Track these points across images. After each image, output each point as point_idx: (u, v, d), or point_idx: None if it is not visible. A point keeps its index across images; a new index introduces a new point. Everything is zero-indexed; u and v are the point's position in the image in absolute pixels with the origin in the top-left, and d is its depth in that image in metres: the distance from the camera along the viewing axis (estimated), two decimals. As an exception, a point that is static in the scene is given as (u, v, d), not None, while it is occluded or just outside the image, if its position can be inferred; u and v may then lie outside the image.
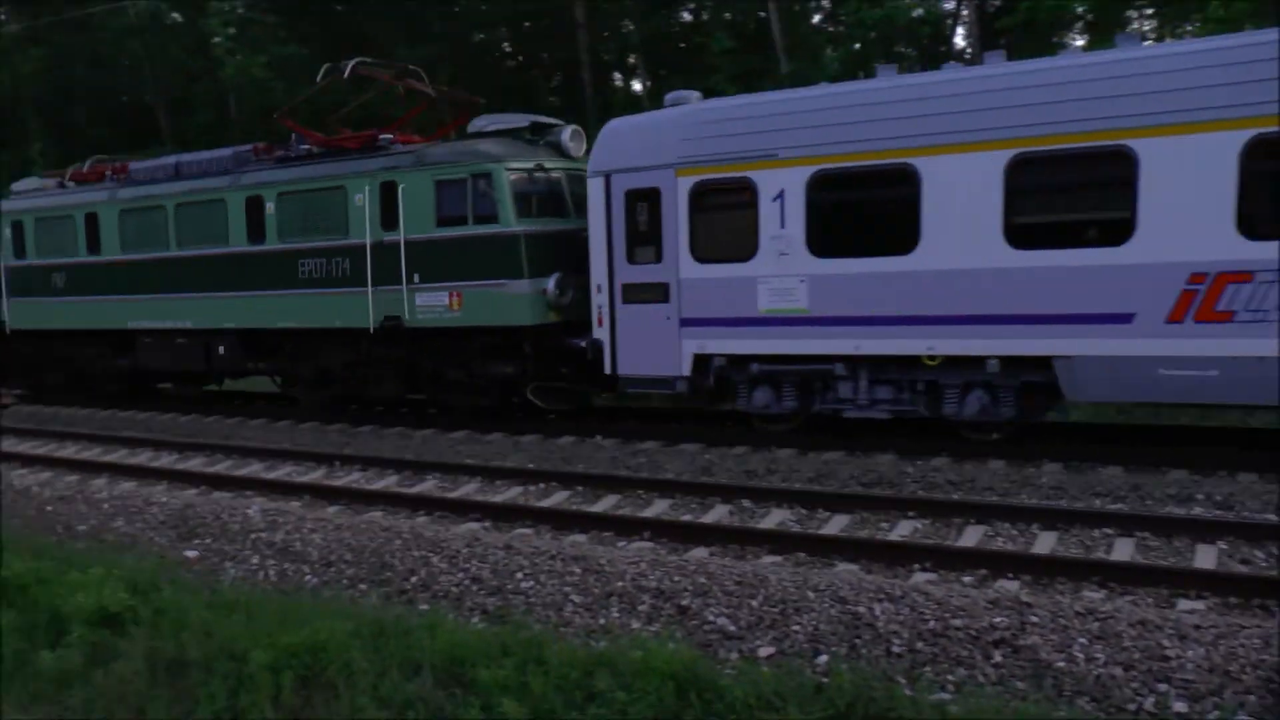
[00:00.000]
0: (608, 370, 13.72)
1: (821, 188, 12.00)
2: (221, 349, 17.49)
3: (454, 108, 19.03)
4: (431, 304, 14.73)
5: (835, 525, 9.77)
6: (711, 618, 7.46)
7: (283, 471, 13.21)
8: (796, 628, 7.14)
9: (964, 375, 11.67)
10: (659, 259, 13.13)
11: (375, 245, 15.14)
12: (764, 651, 6.94)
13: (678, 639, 7.01)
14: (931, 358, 11.75)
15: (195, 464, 13.94)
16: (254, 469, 13.44)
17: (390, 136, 15.95)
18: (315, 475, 12.91)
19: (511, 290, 14.02)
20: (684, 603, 7.71)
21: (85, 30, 44.16)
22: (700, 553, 9.07)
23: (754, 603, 7.51)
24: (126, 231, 18.64)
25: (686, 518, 10.23)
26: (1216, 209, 10.01)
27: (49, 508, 12.23)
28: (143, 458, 14.61)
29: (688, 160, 12.81)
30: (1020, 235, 10.99)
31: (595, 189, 13.47)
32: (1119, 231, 10.51)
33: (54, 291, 19.96)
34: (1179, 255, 10.21)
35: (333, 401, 17.17)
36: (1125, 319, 10.62)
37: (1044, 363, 11.12)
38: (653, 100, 29.40)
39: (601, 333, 13.66)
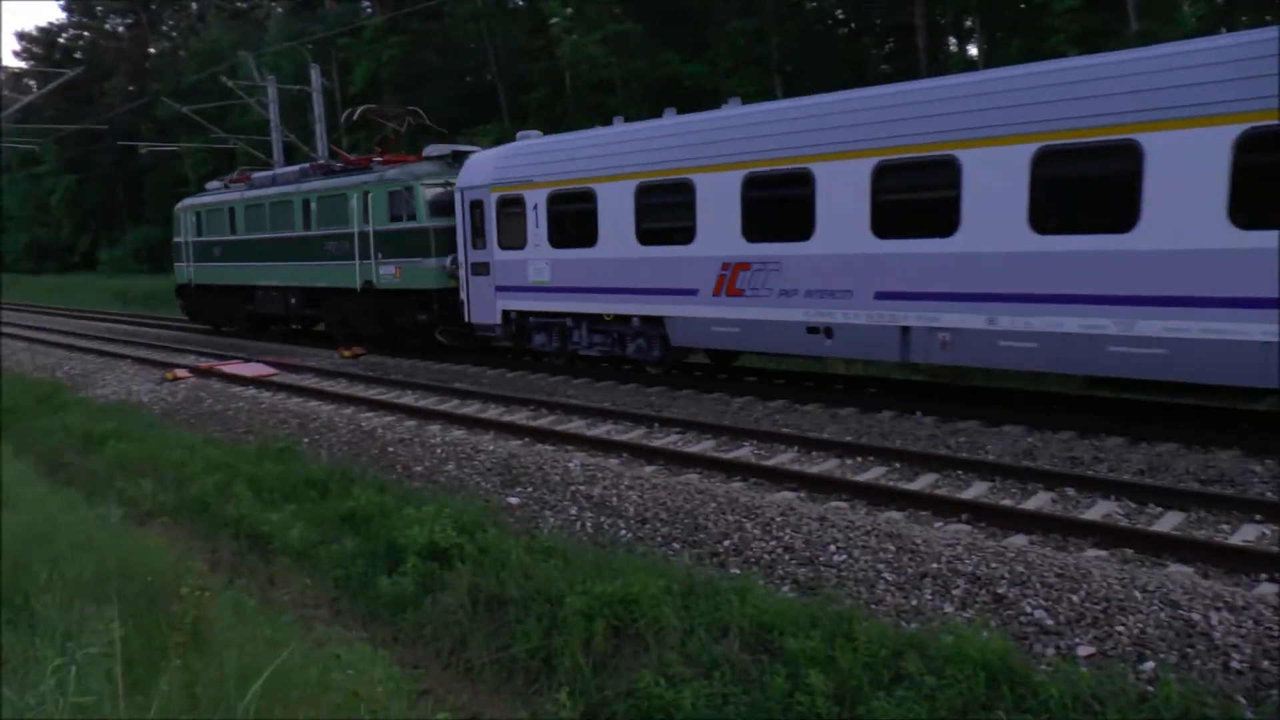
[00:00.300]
0: (466, 320, 20.70)
1: (552, 202, 18.39)
2: (292, 300, 26.81)
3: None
4: (387, 273, 22.51)
5: (1167, 523, 9.16)
6: (1028, 609, 7.28)
7: (603, 429, 13.94)
8: (1120, 629, 6.83)
9: (627, 328, 17.64)
10: (484, 246, 19.86)
11: (360, 233, 23.29)
12: (1083, 651, 6.71)
13: (991, 628, 6.92)
14: (609, 316, 17.82)
15: (520, 417, 14.98)
16: (575, 425, 14.25)
17: (380, 159, 24.42)
18: (634, 435, 13.53)
19: (425, 265, 21.49)
20: (1000, 591, 7.55)
21: (437, 18, 47.89)
22: (1019, 540, 8.82)
23: (1075, 598, 7.25)
24: (249, 220, 28.34)
25: (1006, 502, 9.94)
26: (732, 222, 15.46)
27: (390, 449, 13.57)
28: (472, 408, 15.87)
29: (496, 182, 19.48)
30: (644, 236, 16.78)
31: (457, 199, 20.48)
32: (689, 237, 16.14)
33: (214, 259, 30.48)
34: (718, 252, 15.65)
35: (347, 338, 24.88)
36: (693, 293, 16.15)
37: (659, 321, 16.92)
38: (988, 63, 28.17)
39: (462, 295, 20.65)
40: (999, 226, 12.33)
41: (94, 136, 70.49)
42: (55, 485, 13.49)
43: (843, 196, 13.87)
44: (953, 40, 36.80)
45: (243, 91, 37.59)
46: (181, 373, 20.70)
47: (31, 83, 71.15)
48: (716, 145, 15.50)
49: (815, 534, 9.08)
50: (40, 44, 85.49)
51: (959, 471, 11.08)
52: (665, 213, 16.49)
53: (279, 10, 66.77)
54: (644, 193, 16.64)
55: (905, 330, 13.49)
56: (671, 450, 12.31)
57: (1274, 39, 10.11)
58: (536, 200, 18.51)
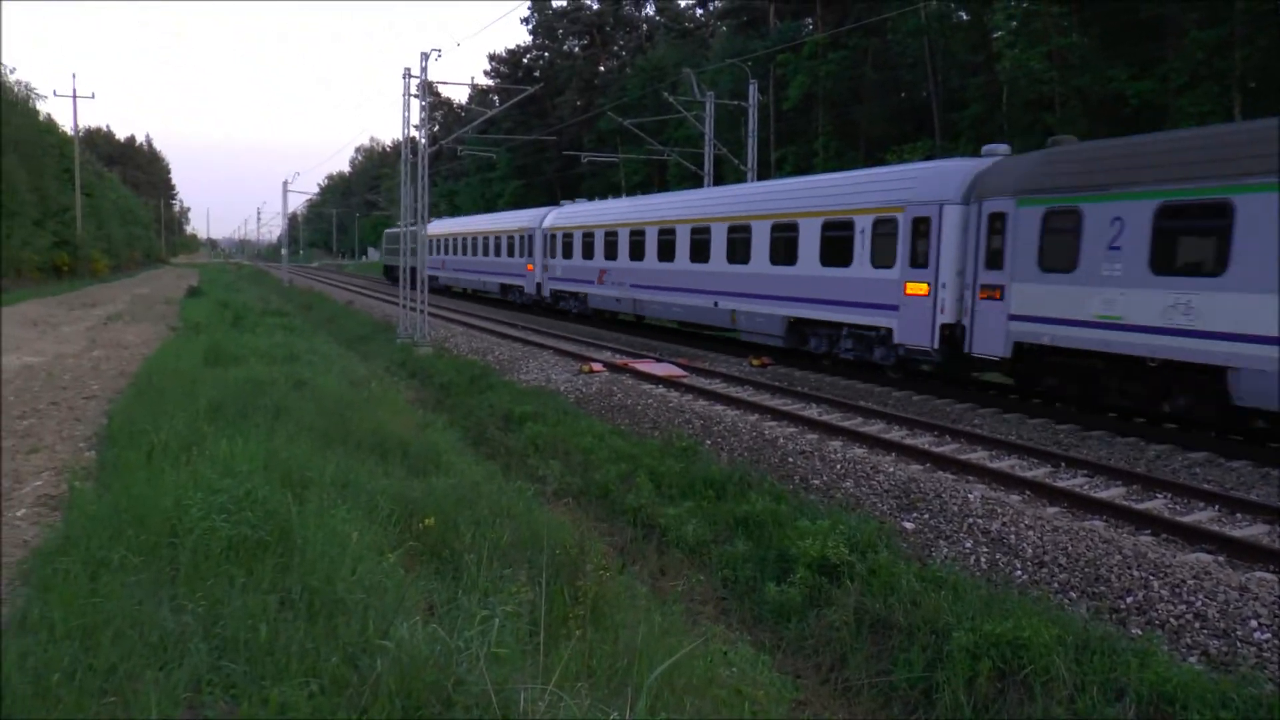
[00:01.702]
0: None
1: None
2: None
3: None
4: None
5: None
6: None
7: (1006, 463, 13.39)
8: None
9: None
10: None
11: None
12: None
13: None
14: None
15: (923, 441, 14.69)
16: (978, 456, 13.79)
17: None
18: (1038, 472, 12.88)
19: None
20: None
21: (878, 33, 48.03)
22: None
23: None
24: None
25: None
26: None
27: (790, 459, 13.79)
28: (875, 428, 15.75)
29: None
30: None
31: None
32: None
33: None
34: None
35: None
36: None
37: None
38: None
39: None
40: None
41: (542, 146, 77.12)
42: (479, 457, 14.89)
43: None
44: None
45: (681, 106, 39.59)
46: (597, 366, 22.18)
47: (495, 98, 78.86)
48: None
49: (1234, 604, 8.23)
50: (507, 64, 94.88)
51: None
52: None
53: (723, 29, 69.70)
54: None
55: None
56: (1077, 493, 11.60)
57: None
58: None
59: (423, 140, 31.09)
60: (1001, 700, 7.41)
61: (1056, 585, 9.21)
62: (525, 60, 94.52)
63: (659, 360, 23.56)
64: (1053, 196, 16.15)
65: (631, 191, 64.22)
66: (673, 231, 28.70)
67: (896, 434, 15.33)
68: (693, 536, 11.19)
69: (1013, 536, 10.25)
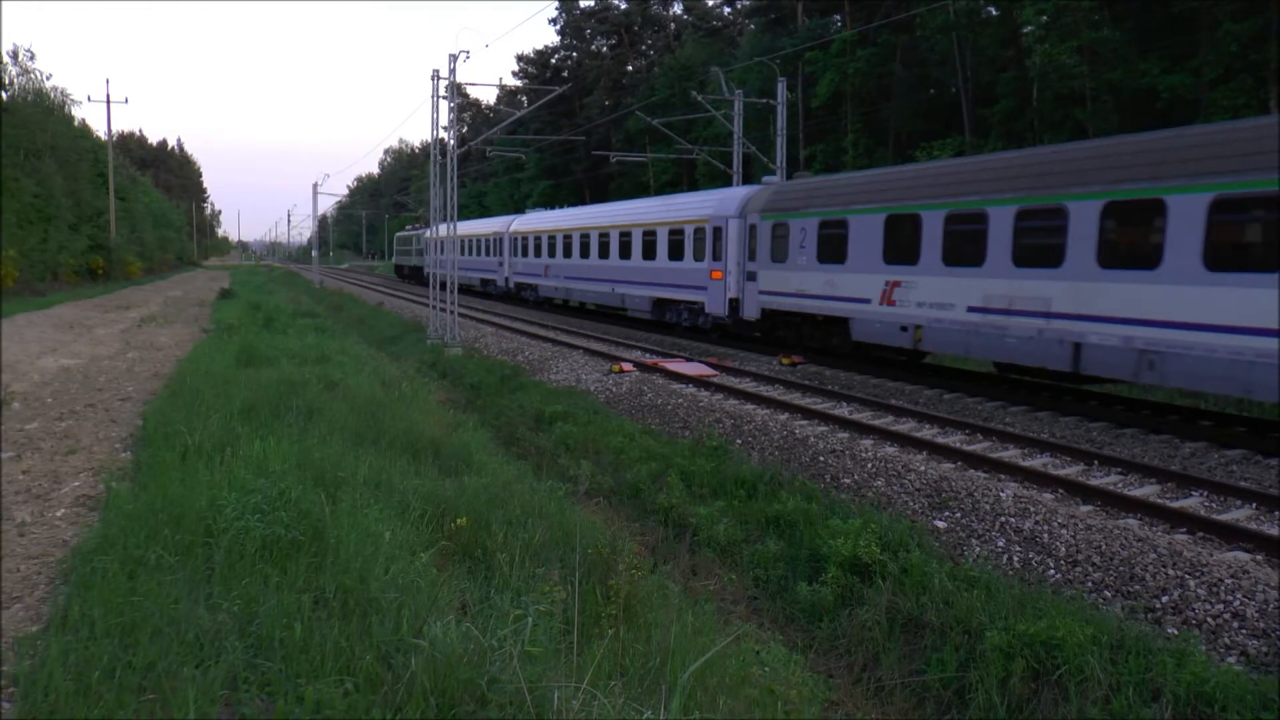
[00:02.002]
0: None
1: None
2: None
3: None
4: None
5: None
6: None
7: (1039, 461, 13.30)
8: None
9: None
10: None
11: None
12: None
13: None
14: None
15: (954, 440, 14.63)
16: (1010, 454, 13.71)
17: None
18: (1071, 470, 12.79)
19: None
20: None
21: (907, 30, 47.81)
22: None
23: None
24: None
25: None
26: None
27: (821, 458, 13.76)
28: (906, 426, 15.70)
29: None
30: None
31: None
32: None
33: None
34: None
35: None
36: None
37: None
38: None
39: None
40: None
41: (571, 147, 77.25)
42: (510, 457, 14.95)
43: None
44: None
45: (710, 105, 39.55)
46: (627, 366, 22.20)
47: (523, 99, 79.05)
48: None
49: (1273, 603, 8.14)
50: (535, 65, 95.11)
51: None
52: None
53: (751, 27, 69.62)
54: None
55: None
56: (1111, 491, 11.50)
57: None
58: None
59: (451, 141, 31.21)
60: (1035, 700, 7.36)
61: (1090, 584, 9.14)
62: (553, 60, 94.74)
63: (689, 360, 23.57)
64: (775, 214, 24.63)
65: (660, 191, 64.31)
66: (588, 236, 37.13)
67: (927, 432, 15.26)
68: (724, 536, 11.19)
69: (1046, 535, 10.18)
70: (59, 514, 8.85)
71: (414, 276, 73.51)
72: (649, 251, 31.74)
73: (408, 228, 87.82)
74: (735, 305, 26.81)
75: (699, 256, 28.34)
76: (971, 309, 17.83)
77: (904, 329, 19.73)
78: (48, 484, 9.97)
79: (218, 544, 6.87)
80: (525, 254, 44.85)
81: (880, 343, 20.94)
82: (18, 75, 55.44)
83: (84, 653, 5.17)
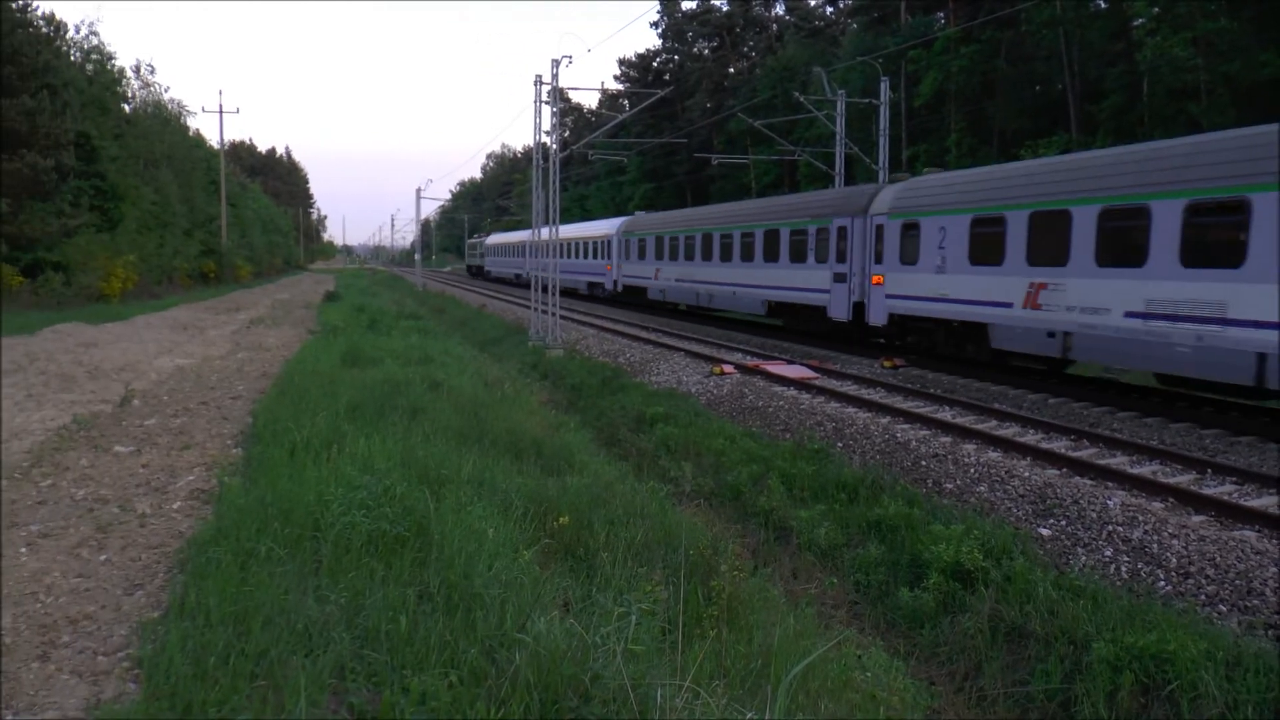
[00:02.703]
0: None
1: None
2: None
3: None
4: None
5: None
6: None
7: (1148, 469, 12.92)
8: None
9: None
10: None
11: None
12: None
13: None
14: None
15: (1059, 445, 14.28)
16: (1118, 461, 13.34)
17: None
18: (1182, 479, 12.38)
19: None
20: None
21: (1012, 26, 46.80)
22: None
23: None
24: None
25: None
26: None
27: (923, 463, 13.58)
28: (1010, 431, 15.38)
29: None
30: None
31: None
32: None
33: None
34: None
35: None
36: None
37: None
38: None
39: None
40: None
41: (672, 149, 77.35)
42: (611, 457, 15.05)
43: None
44: None
45: (812, 105, 39.27)
46: (728, 368, 22.16)
47: (625, 102, 79.43)
48: None
49: (1407, 623, 7.79)
50: (637, 68, 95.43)
51: None
52: None
53: (854, 26, 68.93)
54: None
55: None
56: (1226, 501, 11.09)
57: None
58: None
59: (554, 146, 31.52)
60: (1145, 716, 7.17)
61: (1204, 597, 8.85)
62: (655, 63, 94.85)
63: (790, 362, 23.43)
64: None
65: (762, 193, 64.00)
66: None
67: (1032, 437, 14.93)
68: (825, 539, 11.12)
69: (1155, 545, 9.89)
70: (175, 506, 9.19)
71: (478, 274, 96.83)
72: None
73: (476, 235, 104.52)
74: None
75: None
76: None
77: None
78: (165, 478, 10.35)
79: (325, 538, 7.08)
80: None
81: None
82: (139, 89, 57.80)
83: (201, 639, 5.37)
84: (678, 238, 38.56)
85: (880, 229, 24.23)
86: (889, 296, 23.62)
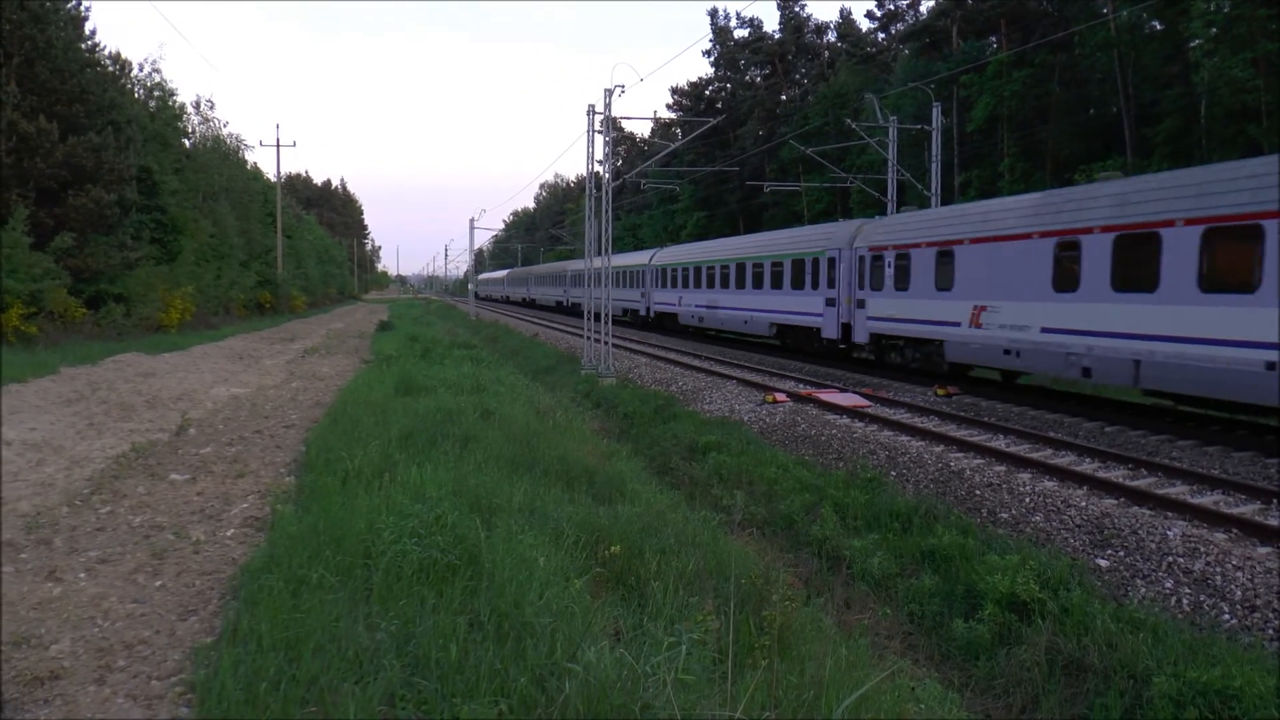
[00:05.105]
0: None
1: None
2: None
3: None
4: None
5: None
6: None
7: (1209, 498, 12.64)
8: None
9: None
10: None
11: None
12: None
13: None
14: None
15: (1117, 474, 14.04)
16: (1178, 490, 13.07)
17: None
18: (1246, 509, 12.10)
19: None
20: None
21: (1065, 49, 46.40)
22: None
23: None
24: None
25: None
26: None
27: (977, 492, 13.41)
28: (1066, 460, 15.14)
29: None
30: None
31: None
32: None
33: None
34: None
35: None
36: None
37: None
38: None
39: None
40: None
41: (725, 177, 77.48)
42: (663, 486, 15.01)
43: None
44: None
45: (864, 132, 39.18)
46: (780, 396, 22.05)
47: (677, 131, 79.74)
48: None
49: None
50: (689, 96, 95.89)
51: None
52: None
53: (905, 52, 68.77)
54: None
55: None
56: (1295, 533, 10.84)
57: None
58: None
59: (606, 175, 31.73)
60: (1209, 752, 7.00)
61: (1271, 632, 8.63)
62: (707, 92, 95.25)
63: (843, 390, 23.29)
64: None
65: (814, 220, 63.92)
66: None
67: (1088, 466, 14.69)
68: (878, 569, 11.00)
69: (1218, 578, 9.67)
70: (229, 533, 9.32)
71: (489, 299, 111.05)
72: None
73: (483, 274, 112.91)
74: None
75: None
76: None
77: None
78: (219, 505, 10.51)
79: (376, 565, 7.14)
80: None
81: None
82: (199, 124, 59.15)
83: (253, 664, 5.44)
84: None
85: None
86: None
